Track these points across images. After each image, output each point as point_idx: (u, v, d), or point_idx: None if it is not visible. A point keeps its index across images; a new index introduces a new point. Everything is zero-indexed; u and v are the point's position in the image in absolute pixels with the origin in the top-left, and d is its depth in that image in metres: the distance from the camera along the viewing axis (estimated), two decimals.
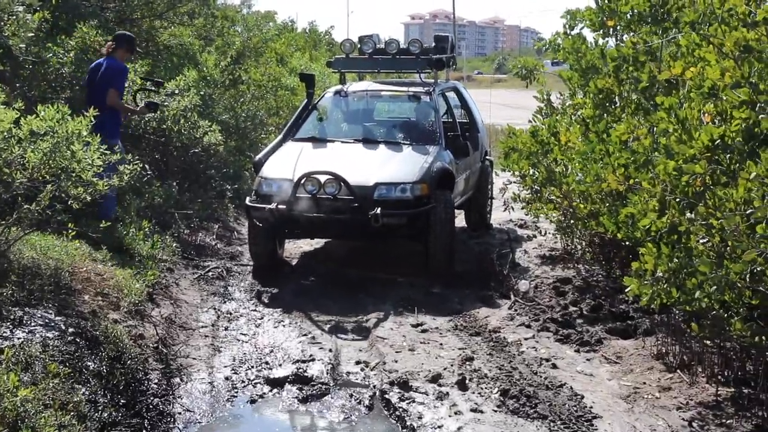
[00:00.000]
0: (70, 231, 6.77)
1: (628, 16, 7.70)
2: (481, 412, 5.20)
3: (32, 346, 4.76)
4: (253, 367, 6.08)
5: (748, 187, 4.70)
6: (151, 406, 5.15)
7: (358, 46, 10.27)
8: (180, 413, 5.29)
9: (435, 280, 8.09)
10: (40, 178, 6.46)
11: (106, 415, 4.58)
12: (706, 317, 5.20)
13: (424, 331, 6.80)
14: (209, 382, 5.80)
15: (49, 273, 5.95)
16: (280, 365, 6.12)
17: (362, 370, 6.06)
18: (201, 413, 5.36)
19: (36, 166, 6.28)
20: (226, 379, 5.87)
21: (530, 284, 7.66)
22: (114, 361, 5.17)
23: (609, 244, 7.72)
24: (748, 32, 4.93)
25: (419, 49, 9.94)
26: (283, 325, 7.03)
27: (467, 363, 5.98)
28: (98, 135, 7.16)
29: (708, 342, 5.64)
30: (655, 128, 6.08)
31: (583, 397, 5.38)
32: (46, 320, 5.30)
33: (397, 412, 5.29)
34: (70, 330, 5.26)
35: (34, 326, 5.14)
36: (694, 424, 4.92)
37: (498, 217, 10.94)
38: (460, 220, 9.75)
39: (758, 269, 4.54)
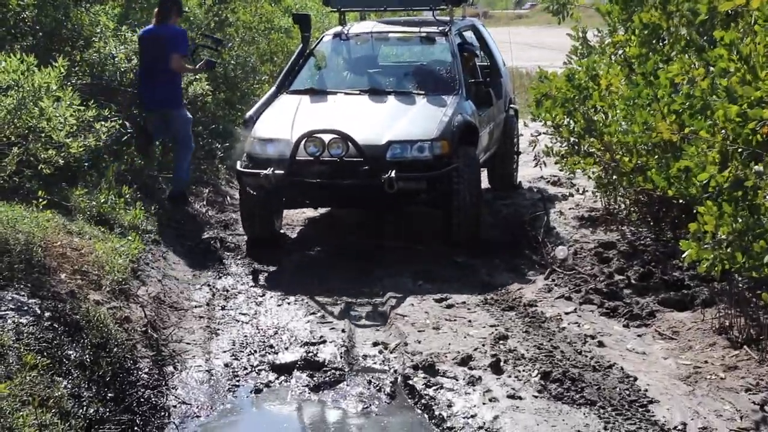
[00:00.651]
0: (40, 200, 6.69)
1: None
2: (520, 398, 5.14)
3: (4, 334, 4.71)
4: (255, 351, 6.04)
5: None
6: (142, 399, 5.10)
7: None
8: (175, 406, 5.25)
9: (459, 249, 7.98)
10: (5, 139, 6.40)
11: (92, 410, 4.53)
12: None
13: (449, 306, 6.74)
14: (207, 370, 5.76)
15: (19, 249, 5.87)
16: (287, 349, 6.07)
17: (381, 352, 6.01)
18: (199, 406, 5.32)
19: None
20: (226, 366, 5.82)
21: (569, 250, 7.57)
22: (98, 349, 5.12)
23: (658, 202, 7.64)
24: None
25: None
26: (288, 303, 6.98)
27: (501, 342, 5.92)
28: (166, 105, 8.90)
29: None
30: (712, 68, 5.96)
31: (636, 379, 5.31)
32: (19, 303, 5.23)
33: (423, 401, 5.24)
34: (47, 314, 5.20)
35: (5, 311, 5.08)
36: (767, 408, 4.85)
37: (528, 173, 10.83)
38: (482, 180, 9.62)
39: None
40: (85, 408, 4.52)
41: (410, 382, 5.45)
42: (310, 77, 9.17)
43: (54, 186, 7.46)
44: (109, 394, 4.85)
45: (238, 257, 8.15)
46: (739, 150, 5.36)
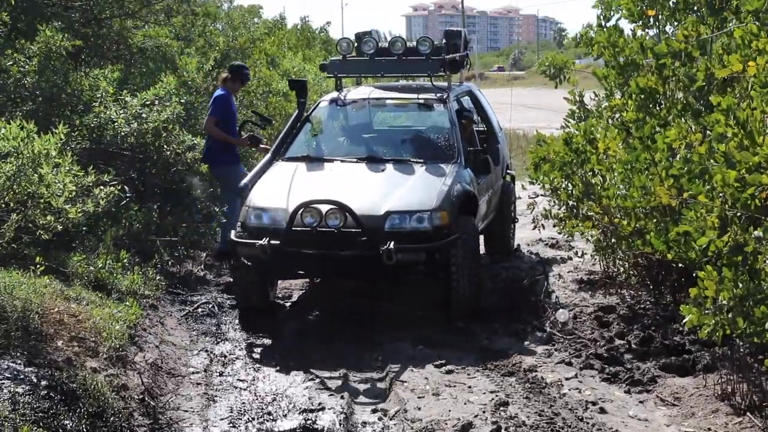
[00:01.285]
0: (38, 265, 6.69)
1: (671, 3, 7.67)
2: None
3: (0, 404, 4.66)
4: (253, 419, 5.98)
5: None
6: None
7: (356, 45, 9.85)
8: None
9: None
10: (4, 205, 6.42)
11: None
12: None
13: (449, 372, 6.70)
14: None
15: (16, 316, 5.86)
16: (285, 416, 6.02)
17: (380, 419, 5.96)
18: None
19: None
20: None
21: (569, 314, 7.55)
22: (95, 418, 5.08)
23: (657, 265, 7.66)
24: None
25: (430, 49, 9.36)
26: (287, 368, 6.93)
27: (501, 409, 5.88)
28: (206, 162, 9.64)
29: None
30: (709, 132, 6.01)
31: None
32: (15, 372, 5.20)
33: None
34: (43, 383, 5.16)
35: (0, 380, 5.05)
36: None
37: (526, 236, 10.86)
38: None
39: None
40: None
41: None
42: (306, 144, 9.09)
43: (52, 251, 7.46)
44: None
45: (236, 322, 8.12)
46: (738, 215, 5.39)
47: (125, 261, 8.03)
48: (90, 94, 9.41)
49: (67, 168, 6.29)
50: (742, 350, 5.96)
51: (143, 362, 6.56)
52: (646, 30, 8.01)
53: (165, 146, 9.51)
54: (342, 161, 8.60)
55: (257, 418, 5.99)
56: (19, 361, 5.36)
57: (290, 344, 7.49)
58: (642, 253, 7.52)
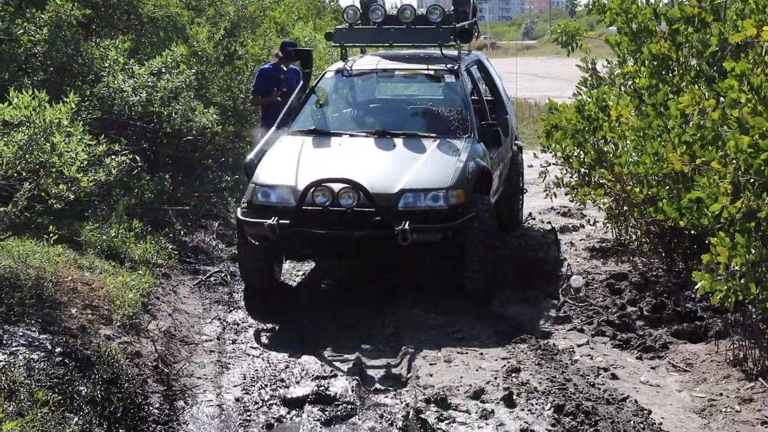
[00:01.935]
0: (51, 235, 6.72)
1: None
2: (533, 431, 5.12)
3: (15, 371, 4.72)
4: (266, 385, 6.04)
5: None
6: None
7: (363, 13, 9.36)
8: None
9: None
10: (16, 175, 6.43)
11: None
12: None
13: (461, 339, 6.73)
14: (218, 405, 5.76)
15: (30, 284, 5.91)
16: (298, 383, 6.06)
17: (392, 386, 5.99)
18: None
19: (11, 161, 6.25)
20: (237, 400, 5.82)
21: (583, 280, 7.55)
22: (109, 385, 5.12)
23: (669, 233, 7.64)
24: None
25: (440, 17, 8.98)
26: (300, 336, 6.96)
27: (513, 375, 5.90)
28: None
29: None
30: (722, 99, 5.98)
31: (650, 412, 5.29)
32: (30, 339, 5.25)
33: None
34: (58, 349, 5.21)
35: (16, 347, 5.10)
36: None
37: (538, 204, 10.84)
38: None
39: None
40: None
41: (422, 416, 5.42)
42: (312, 117, 8.74)
43: (65, 221, 7.51)
44: (121, 430, 4.84)
45: (249, 290, 8.14)
46: (751, 181, 5.37)
47: (138, 230, 8.08)
48: (100, 63, 9.40)
49: (79, 137, 6.28)
50: (754, 316, 5.95)
51: (156, 330, 6.61)
52: None
53: (175, 115, 9.48)
54: (351, 135, 8.27)
55: (270, 385, 6.05)
56: (34, 329, 5.41)
57: (302, 316, 7.51)
58: (654, 220, 7.50)
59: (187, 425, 5.45)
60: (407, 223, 6.93)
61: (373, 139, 8.12)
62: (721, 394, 5.47)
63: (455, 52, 9.11)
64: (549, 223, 9.72)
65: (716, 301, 5.47)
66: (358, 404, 5.69)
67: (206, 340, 6.89)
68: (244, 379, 6.17)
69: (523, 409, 5.41)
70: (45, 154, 6.25)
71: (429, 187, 7.28)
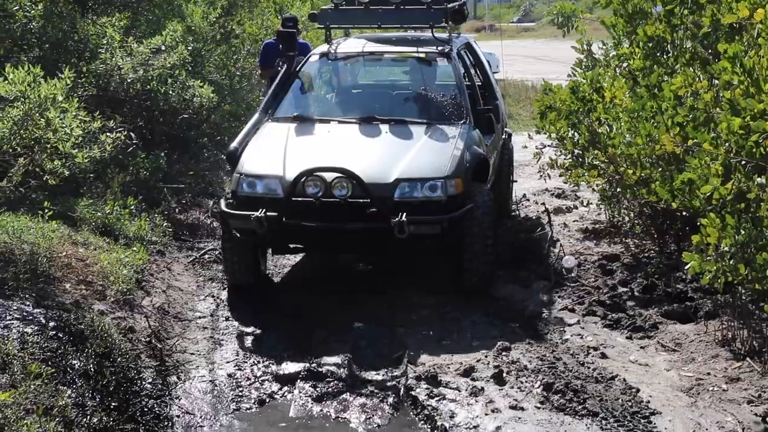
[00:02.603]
0: (46, 210, 6.76)
1: None
2: (522, 409, 5.18)
3: (9, 343, 4.77)
4: (259, 362, 6.07)
5: None
6: (146, 409, 5.15)
7: None
8: (179, 416, 5.31)
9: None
10: (11, 150, 6.47)
11: (95, 419, 4.58)
12: None
13: (453, 319, 6.77)
14: (210, 381, 5.82)
15: (25, 259, 5.96)
16: (290, 359, 6.10)
17: (384, 364, 6.04)
18: (203, 416, 5.37)
19: (6, 137, 6.28)
20: (230, 376, 5.88)
21: (575, 261, 7.60)
22: (102, 359, 5.17)
23: (662, 214, 7.68)
24: None
25: None
26: (293, 311, 7.00)
27: (504, 354, 5.96)
28: None
29: None
30: (716, 81, 6.00)
31: (638, 390, 5.35)
32: (24, 313, 5.30)
33: (425, 411, 5.29)
34: (51, 324, 5.26)
35: (9, 320, 5.14)
36: None
37: (532, 185, 10.88)
38: None
39: None
40: (89, 417, 4.57)
41: (413, 393, 5.49)
42: (297, 103, 8.19)
43: (59, 197, 7.54)
44: (113, 404, 4.89)
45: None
46: (743, 162, 5.40)
47: (132, 207, 8.12)
48: (96, 40, 9.41)
49: (74, 113, 6.32)
50: (743, 297, 6.00)
51: (150, 306, 6.66)
52: None
53: (171, 93, 9.50)
54: (339, 122, 7.81)
55: (263, 361, 6.08)
56: (28, 303, 5.45)
57: (294, 288, 7.56)
58: (647, 202, 7.53)
59: (179, 400, 5.49)
60: (404, 215, 6.53)
61: (363, 126, 7.63)
62: (708, 374, 5.54)
63: (445, 35, 8.65)
64: (543, 204, 9.75)
65: (706, 281, 5.50)
66: (349, 381, 5.73)
67: (200, 317, 6.93)
68: (237, 355, 6.22)
69: (512, 387, 5.48)
70: (40, 129, 6.29)
71: (426, 176, 6.87)
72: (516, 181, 10.24)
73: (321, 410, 5.46)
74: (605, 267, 7.53)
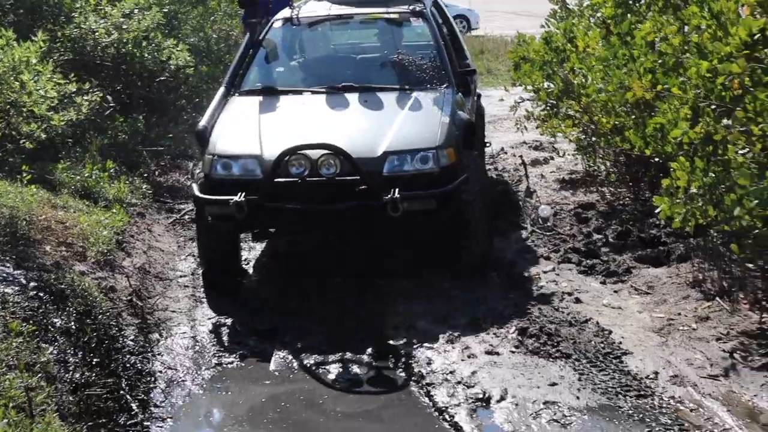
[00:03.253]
0: (24, 174, 6.79)
1: None
2: (497, 354, 5.30)
3: None
4: (239, 318, 6.15)
5: None
6: (128, 365, 5.23)
7: None
8: (161, 372, 5.38)
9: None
10: None
11: (77, 375, 4.66)
12: (748, 237, 5.24)
13: (431, 271, 6.80)
14: (192, 337, 5.90)
15: (4, 222, 6.01)
16: (271, 314, 6.19)
17: (363, 314, 6.13)
18: (185, 371, 5.45)
19: None
20: (211, 332, 5.96)
21: (551, 210, 7.69)
22: (83, 317, 5.24)
23: (637, 162, 7.76)
24: None
25: None
26: (272, 271, 7.09)
27: (480, 302, 6.07)
28: None
29: (750, 265, 5.71)
30: (687, 26, 6.07)
31: (610, 332, 5.48)
32: (4, 275, 5.35)
33: (403, 359, 5.38)
34: (32, 284, 5.32)
35: None
36: (736, 355, 5.02)
37: (510, 138, 10.95)
38: None
39: None
40: (71, 372, 4.64)
41: (391, 342, 5.59)
42: (264, 73, 7.66)
43: (38, 161, 7.57)
44: (95, 360, 4.97)
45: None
46: (711, 106, 5.48)
47: (112, 171, 8.16)
48: (70, 5, 9.38)
49: (48, 76, 6.34)
50: (714, 240, 6.12)
51: (131, 266, 6.72)
52: None
53: (146, 56, 9.50)
54: (312, 93, 7.23)
55: (243, 318, 6.17)
56: (8, 265, 5.50)
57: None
58: (622, 150, 7.61)
59: (161, 356, 5.57)
60: (397, 190, 6.01)
61: (340, 96, 7.05)
62: (679, 314, 5.66)
63: None
64: (521, 157, 9.83)
65: (677, 225, 5.61)
66: (327, 334, 5.83)
67: (181, 276, 7.00)
68: (218, 312, 6.29)
69: (488, 333, 5.58)
70: (14, 92, 6.32)
71: (416, 147, 6.33)
72: (489, 144, 9.90)
73: (301, 363, 5.55)
74: (581, 215, 7.64)
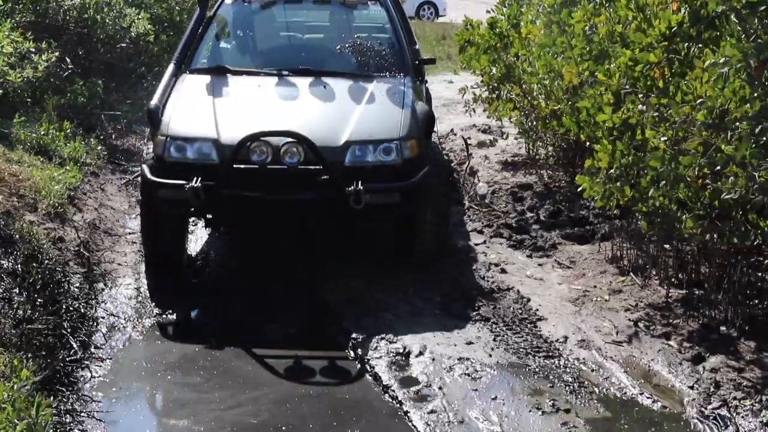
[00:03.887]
0: None
1: None
2: (421, 315, 5.66)
3: None
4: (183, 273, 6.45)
5: (702, 77, 5.09)
6: (71, 309, 5.49)
7: None
8: (103, 318, 5.66)
9: None
10: None
11: (21, 312, 4.92)
12: (659, 216, 5.63)
13: (366, 244, 7.06)
14: (136, 288, 6.18)
15: None
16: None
17: (300, 275, 6.44)
18: (126, 318, 5.74)
19: None
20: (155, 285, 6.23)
21: (489, 188, 8.05)
22: (30, 260, 5.49)
23: (574, 147, 8.13)
24: None
25: None
26: (217, 234, 7.36)
27: (408, 270, 6.37)
28: None
29: (666, 246, 6.11)
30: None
31: (529, 300, 5.86)
32: None
33: (333, 316, 5.72)
34: None
35: None
36: (640, 324, 5.42)
37: (460, 121, 11.27)
38: None
39: (706, 162, 4.94)
40: (15, 309, 4.91)
41: (331, 306, 5.93)
42: (216, 52, 7.34)
43: None
44: (39, 300, 5.23)
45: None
46: (632, 92, 5.85)
47: (68, 131, 8.38)
48: None
49: (6, 33, 6.56)
50: (637, 221, 6.49)
51: (81, 221, 6.98)
52: None
53: (108, 21, 9.71)
54: (268, 75, 6.89)
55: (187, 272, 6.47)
56: None
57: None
58: (561, 135, 7.98)
59: (105, 304, 5.86)
60: (360, 182, 5.81)
61: (298, 81, 6.76)
62: (595, 287, 6.05)
63: None
64: (467, 138, 10.17)
65: (600, 204, 6.00)
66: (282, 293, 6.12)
67: (129, 233, 7.28)
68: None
69: (415, 296, 5.94)
70: None
71: (378, 138, 6.11)
72: (436, 131, 9.65)
73: (238, 312, 5.85)
74: (517, 195, 8.01)
